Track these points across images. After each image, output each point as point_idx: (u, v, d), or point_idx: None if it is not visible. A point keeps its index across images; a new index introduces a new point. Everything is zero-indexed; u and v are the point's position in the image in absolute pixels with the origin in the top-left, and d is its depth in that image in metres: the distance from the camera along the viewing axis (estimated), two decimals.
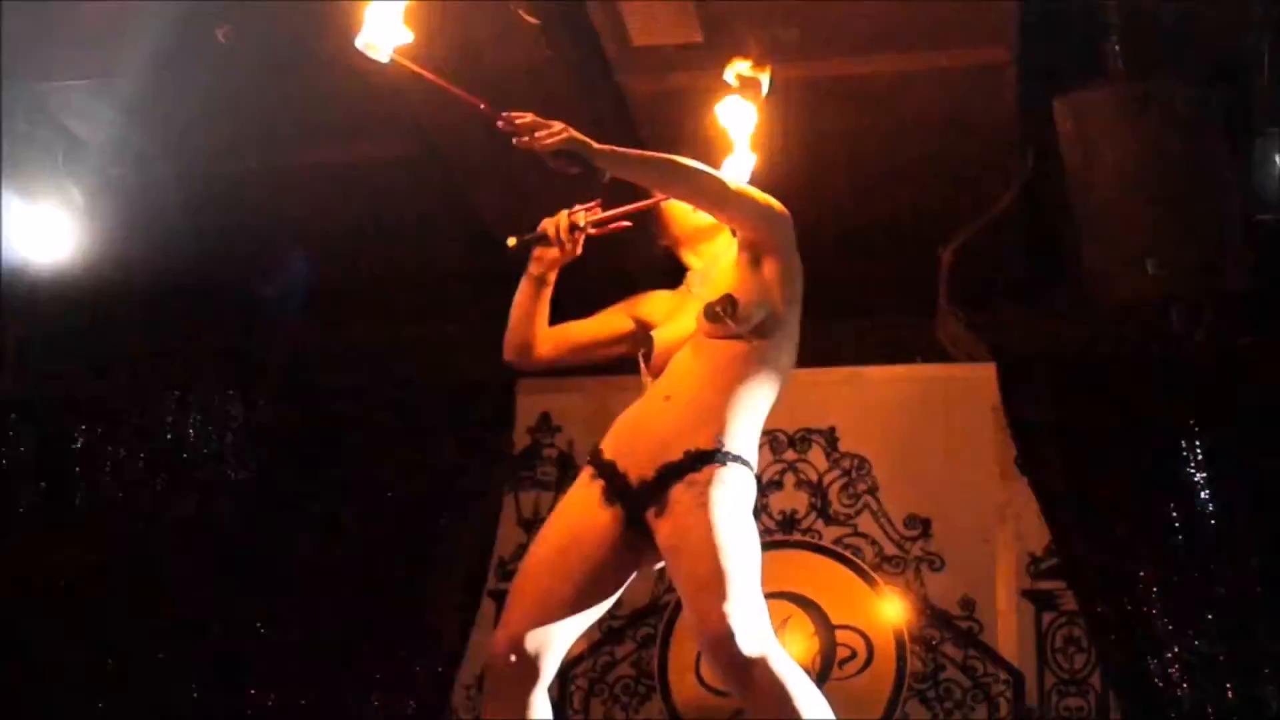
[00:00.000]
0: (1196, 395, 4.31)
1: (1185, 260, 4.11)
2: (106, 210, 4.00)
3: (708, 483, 2.64)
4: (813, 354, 4.94)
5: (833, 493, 5.01)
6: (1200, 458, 4.33)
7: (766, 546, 4.97)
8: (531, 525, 4.98)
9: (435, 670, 4.42)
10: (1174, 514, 4.36)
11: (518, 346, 2.94)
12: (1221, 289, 4.18)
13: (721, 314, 2.82)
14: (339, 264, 4.33)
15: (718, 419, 2.76)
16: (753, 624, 2.54)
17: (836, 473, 5.02)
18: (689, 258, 2.91)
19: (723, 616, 2.50)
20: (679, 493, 2.65)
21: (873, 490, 4.96)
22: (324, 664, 4.33)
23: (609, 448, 2.80)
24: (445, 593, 4.45)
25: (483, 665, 2.73)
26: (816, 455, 5.04)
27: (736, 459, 2.70)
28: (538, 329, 2.94)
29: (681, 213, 2.99)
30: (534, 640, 2.64)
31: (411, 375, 4.61)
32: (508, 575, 4.98)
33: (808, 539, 4.96)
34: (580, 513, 2.74)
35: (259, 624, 4.31)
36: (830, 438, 5.05)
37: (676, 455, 2.67)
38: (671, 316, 2.98)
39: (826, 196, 4.30)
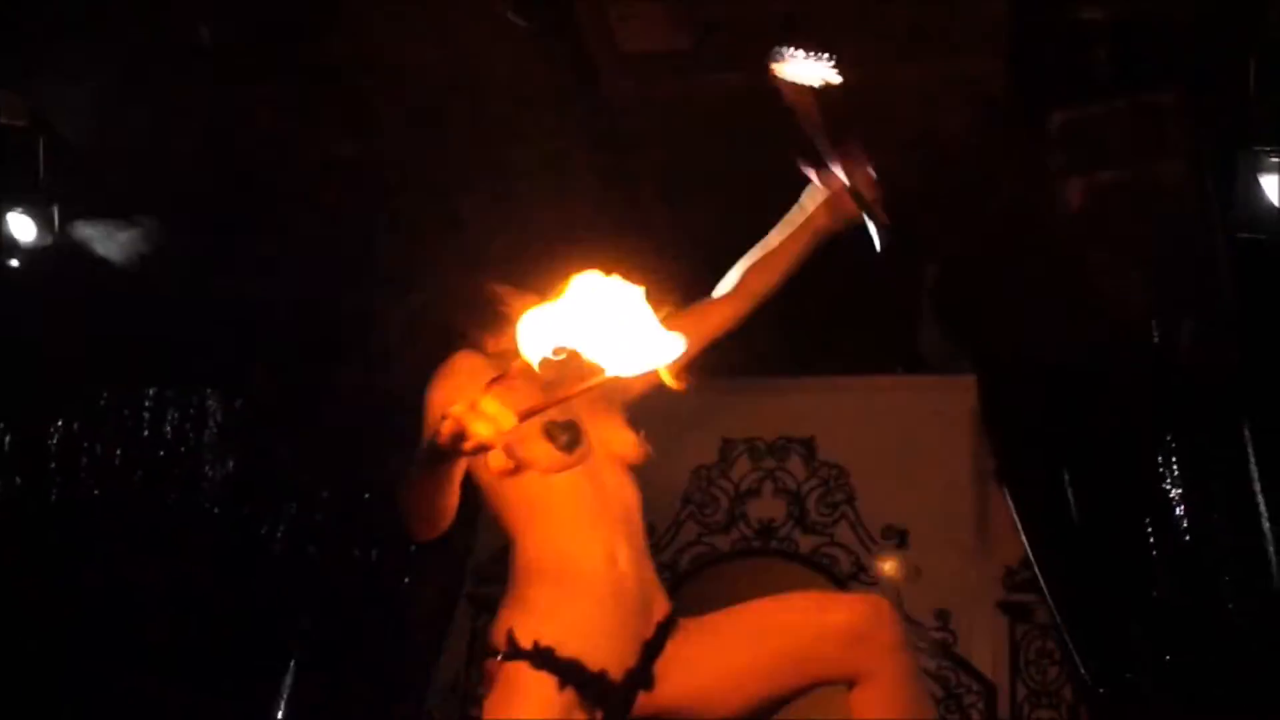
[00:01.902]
0: (1176, 409, 4.27)
1: (1168, 275, 4.16)
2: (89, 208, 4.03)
3: (687, 630, 2.64)
4: (792, 363, 5.07)
5: (810, 501, 5.08)
6: (1177, 473, 4.28)
7: (744, 554, 5.13)
8: None
9: (411, 672, 4.44)
10: (1150, 530, 4.31)
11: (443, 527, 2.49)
12: (1202, 304, 4.18)
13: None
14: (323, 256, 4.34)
15: (658, 578, 2.73)
16: None
17: (815, 481, 5.08)
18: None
19: (860, 600, 2.68)
20: (667, 659, 2.60)
21: (850, 500, 5.03)
22: (297, 663, 4.31)
23: (564, 643, 2.52)
24: (421, 596, 4.46)
25: None
26: (795, 464, 5.12)
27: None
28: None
29: None
30: None
31: (390, 372, 4.62)
32: (484, 580, 5.03)
33: (784, 548, 5.02)
34: None
35: (231, 620, 4.26)
36: (809, 446, 5.11)
37: (650, 631, 2.61)
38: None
39: None
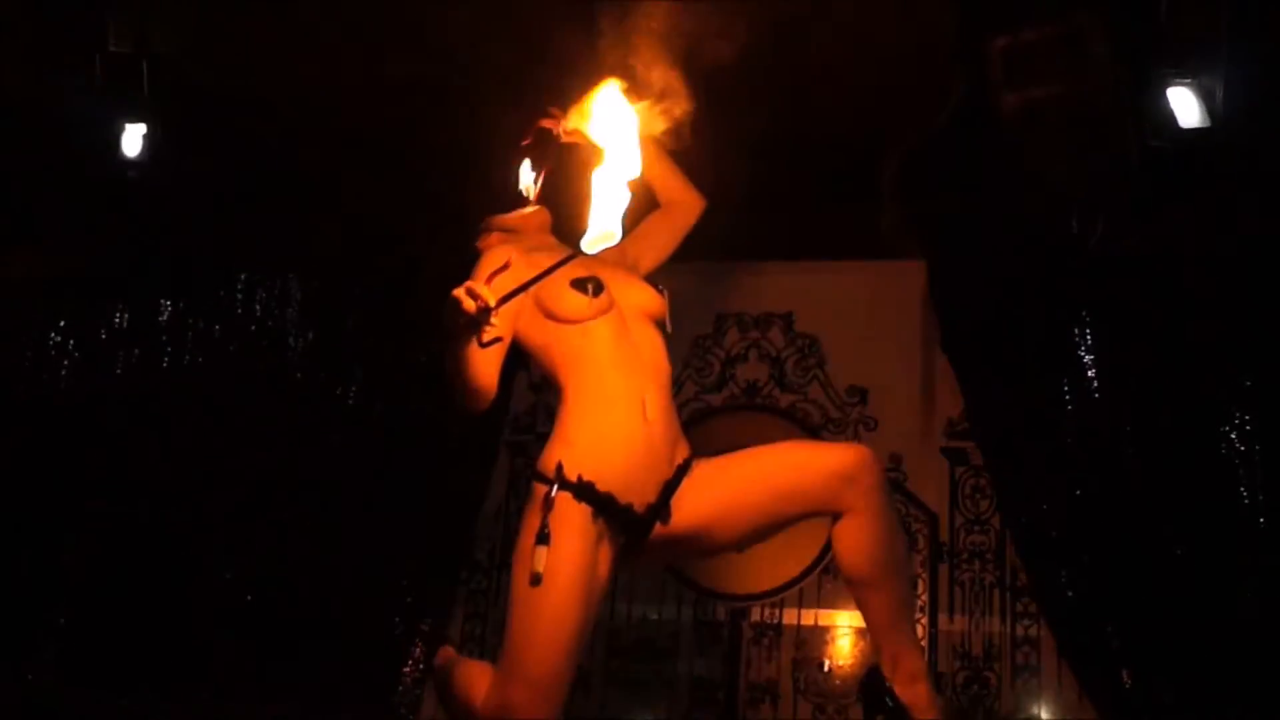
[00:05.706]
0: (1089, 290, 4.71)
1: (1086, 176, 4.54)
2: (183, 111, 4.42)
3: (701, 469, 2.83)
4: (774, 248, 5.50)
5: (789, 366, 5.50)
6: (1090, 343, 4.74)
7: (733, 409, 5.58)
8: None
9: (460, 504, 4.77)
10: (1066, 389, 4.74)
11: (483, 403, 2.75)
12: (1115, 203, 4.59)
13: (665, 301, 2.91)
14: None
15: (679, 427, 2.90)
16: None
17: (792, 349, 5.52)
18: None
19: (849, 449, 2.84)
20: (682, 493, 2.78)
21: (821, 364, 5.46)
22: (366, 497, 4.62)
23: (602, 479, 2.67)
24: (468, 442, 4.72)
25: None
26: (776, 334, 5.55)
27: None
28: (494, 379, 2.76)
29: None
30: (562, 691, 2.67)
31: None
32: (519, 429, 5.27)
33: (766, 403, 5.48)
34: (583, 556, 2.64)
35: (312, 463, 4.63)
36: (788, 319, 5.56)
37: (670, 472, 2.79)
38: (594, 272, 2.81)
39: (803, 107, 4.69)
